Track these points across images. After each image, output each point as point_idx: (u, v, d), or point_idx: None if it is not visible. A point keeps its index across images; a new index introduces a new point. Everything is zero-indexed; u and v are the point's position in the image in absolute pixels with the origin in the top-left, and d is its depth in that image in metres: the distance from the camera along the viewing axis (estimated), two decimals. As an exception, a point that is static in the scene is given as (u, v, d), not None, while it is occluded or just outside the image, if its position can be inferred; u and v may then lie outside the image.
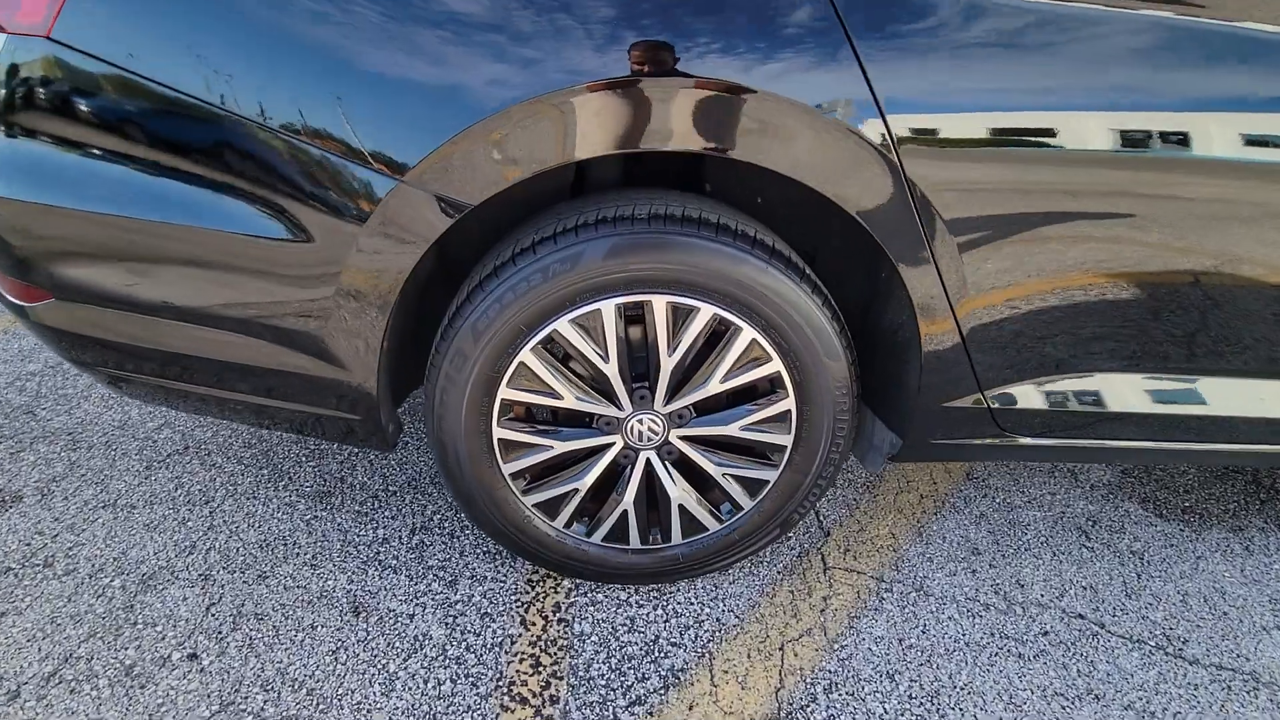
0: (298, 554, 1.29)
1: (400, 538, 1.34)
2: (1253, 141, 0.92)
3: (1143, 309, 1.00)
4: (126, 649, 1.09)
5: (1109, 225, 0.93)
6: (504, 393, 1.01)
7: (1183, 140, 0.90)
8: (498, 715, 1.02)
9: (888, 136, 0.87)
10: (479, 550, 1.31)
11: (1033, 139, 0.89)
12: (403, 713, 1.02)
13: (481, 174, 0.87)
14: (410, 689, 1.05)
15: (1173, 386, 1.09)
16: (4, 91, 0.89)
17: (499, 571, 1.27)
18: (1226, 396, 1.10)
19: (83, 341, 1.04)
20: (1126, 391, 1.08)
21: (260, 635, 1.13)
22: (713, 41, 0.84)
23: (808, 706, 1.05)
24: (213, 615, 1.16)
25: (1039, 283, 0.97)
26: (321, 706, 1.02)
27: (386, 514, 1.39)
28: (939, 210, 0.90)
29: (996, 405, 1.05)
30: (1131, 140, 0.90)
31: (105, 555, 1.26)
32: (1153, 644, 1.19)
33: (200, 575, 1.23)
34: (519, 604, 1.20)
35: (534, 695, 1.05)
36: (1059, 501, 1.51)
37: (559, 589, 1.24)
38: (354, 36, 0.84)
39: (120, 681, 1.04)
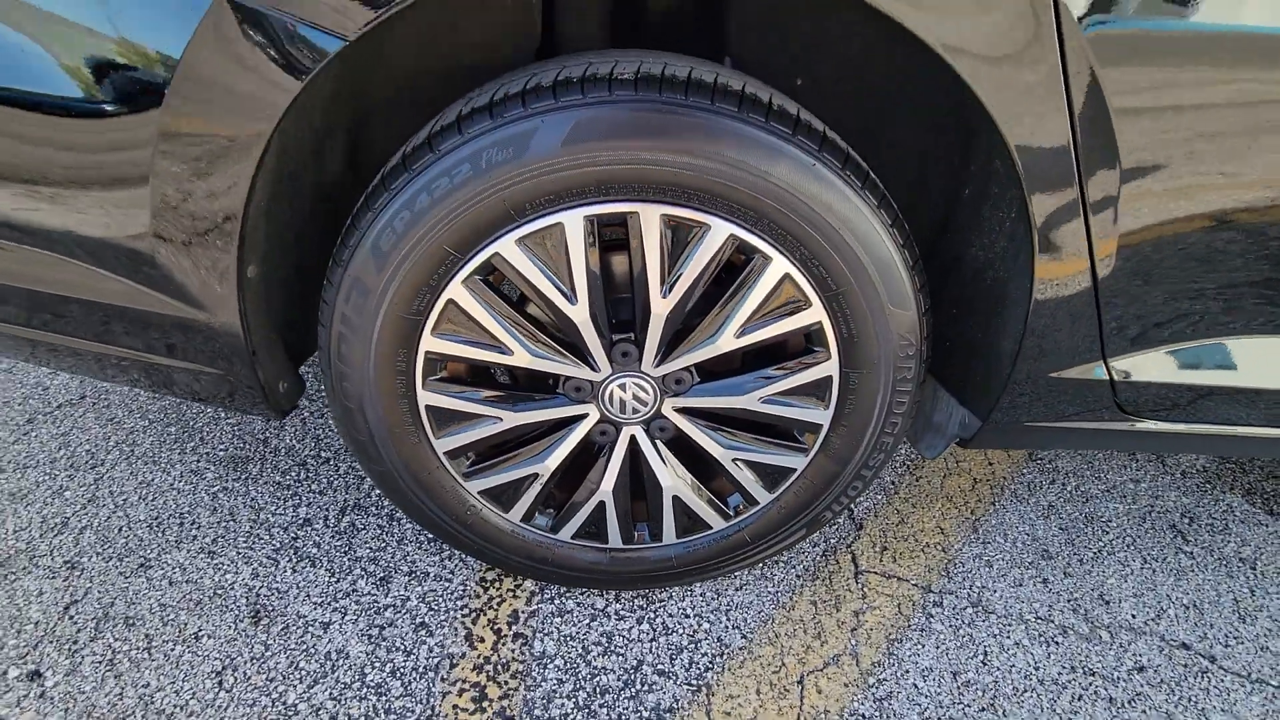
0: (195, 537, 1.02)
1: (326, 519, 1.07)
2: None
3: None
4: (-49, 662, 0.84)
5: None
6: (428, 343, 0.72)
7: None
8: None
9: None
10: (422, 539, 1.04)
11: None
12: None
13: None
14: (311, 730, 0.80)
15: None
16: None
17: (445, 567, 1.00)
18: None
19: None
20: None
21: (127, 648, 0.87)
22: None
23: (834, 765, 0.80)
24: (70, 618, 0.90)
25: (1214, 209, 0.65)
26: (192, 750, 0.77)
27: (314, 487, 1.12)
28: (1102, 77, 0.58)
29: (1121, 378, 0.75)
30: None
31: (-49, 533, 1.00)
32: (1277, 684, 0.92)
33: (66, 563, 0.97)
34: (466, 612, 0.94)
35: (474, 742, 0.80)
36: (1145, 492, 1.22)
37: (519, 592, 0.98)
38: None
39: (-67, 708, 0.80)
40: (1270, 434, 0.86)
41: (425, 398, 0.76)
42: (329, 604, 0.94)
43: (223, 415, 1.27)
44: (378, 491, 1.12)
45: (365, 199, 0.67)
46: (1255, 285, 0.71)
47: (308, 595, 0.95)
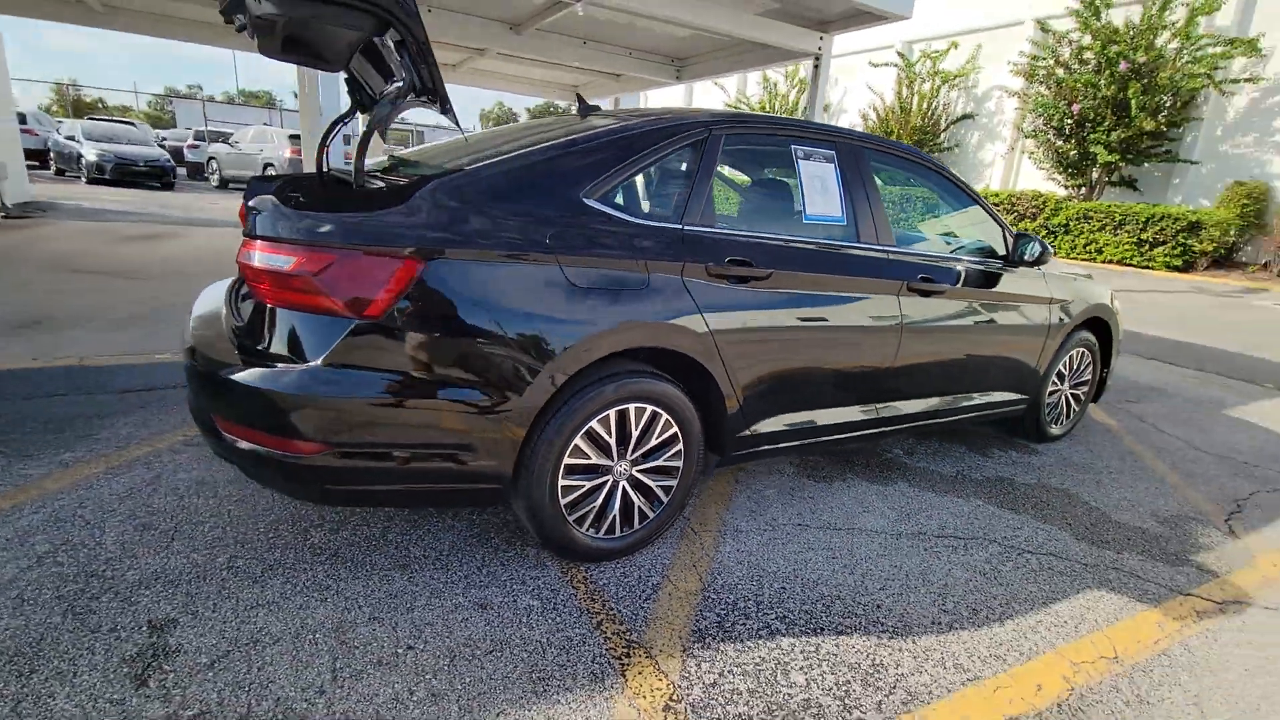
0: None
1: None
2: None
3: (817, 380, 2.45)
4: None
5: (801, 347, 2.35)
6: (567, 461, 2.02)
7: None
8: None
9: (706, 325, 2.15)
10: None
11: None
12: None
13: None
14: None
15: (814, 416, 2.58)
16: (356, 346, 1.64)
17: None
18: (839, 417, 2.62)
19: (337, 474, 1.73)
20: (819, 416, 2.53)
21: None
22: None
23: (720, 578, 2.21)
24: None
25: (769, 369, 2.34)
26: None
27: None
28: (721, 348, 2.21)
29: (753, 433, 2.40)
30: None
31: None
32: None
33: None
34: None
35: (589, 618, 2.02)
36: (788, 476, 2.96)
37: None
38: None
39: None
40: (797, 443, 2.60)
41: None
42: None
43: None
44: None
45: (542, 412, 1.95)
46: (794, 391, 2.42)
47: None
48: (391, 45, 1.80)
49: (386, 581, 2.01)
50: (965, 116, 18.08)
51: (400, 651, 1.74)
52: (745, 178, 2.63)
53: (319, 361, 1.64)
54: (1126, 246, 13.50)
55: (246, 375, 1.69)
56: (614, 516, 2.16)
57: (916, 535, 2.59)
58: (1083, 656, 1.97)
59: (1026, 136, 16.00)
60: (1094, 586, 2.34)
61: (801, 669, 1.81)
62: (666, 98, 22.42)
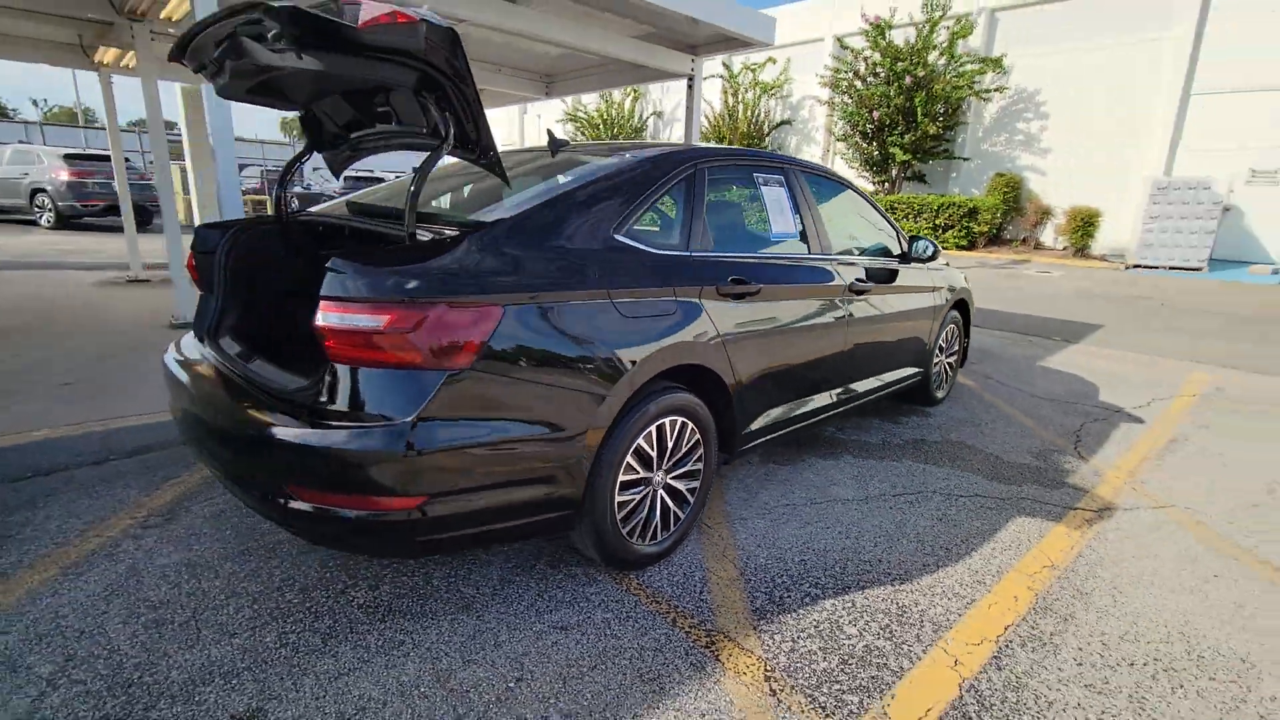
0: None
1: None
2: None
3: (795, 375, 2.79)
4: None
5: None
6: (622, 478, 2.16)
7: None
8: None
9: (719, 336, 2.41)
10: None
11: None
12: None
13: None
14: None
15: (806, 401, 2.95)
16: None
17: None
18: (811, 404, 3.01)
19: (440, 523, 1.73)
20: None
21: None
22: None
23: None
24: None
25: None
26: None
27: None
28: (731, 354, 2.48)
29: (750, 429, 2.70)
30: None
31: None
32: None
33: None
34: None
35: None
36: (756, 465, 3.30)
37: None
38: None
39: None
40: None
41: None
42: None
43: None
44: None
45: (606, 436, 2.07)
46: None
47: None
48: (431, 99, 1.83)
49: (457, 625, 2.02)
50: (784, 122, 20.03)
51: (511, 686, 1.79)
52: (725, 203, 2.91)
53: (414, 417, 1.65)
54: (925, 231, 15.88)
55: (334, 438, 1.64)
56: (655, 523, 2.34)
57: (879, 497, 3.05)
58: (1032, 569, 2.51)
59: (838, 140, 18.14)
60: (1016, 515, 2.95)
61: (850, 622, 2.14)
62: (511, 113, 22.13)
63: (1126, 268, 13.74)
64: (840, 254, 3.21)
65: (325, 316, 1.63)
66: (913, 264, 3.78)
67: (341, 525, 1.69)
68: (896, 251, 3.80)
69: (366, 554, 2.19)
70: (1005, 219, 15.92)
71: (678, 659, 1.92)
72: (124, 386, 4.12)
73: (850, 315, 3.13)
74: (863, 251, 3.73)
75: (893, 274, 3.58)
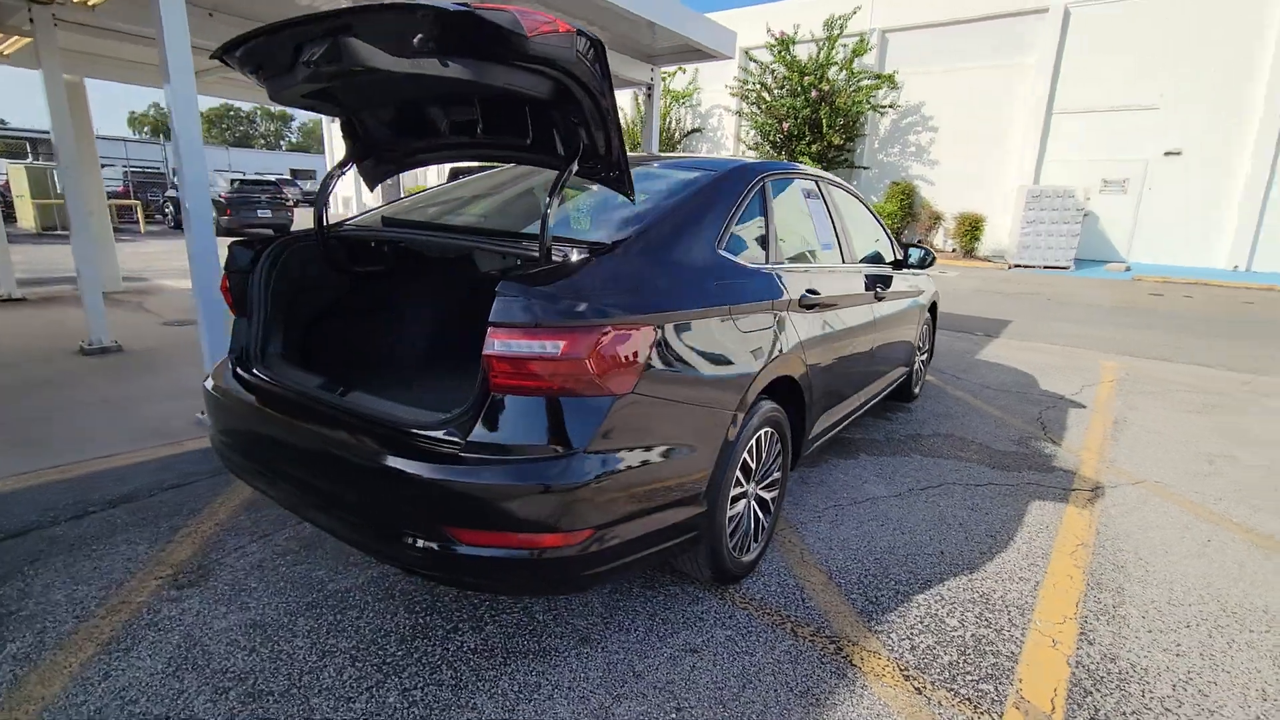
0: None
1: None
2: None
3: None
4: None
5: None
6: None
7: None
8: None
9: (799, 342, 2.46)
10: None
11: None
12: None
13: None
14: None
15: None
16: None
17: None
18: (848, 407, 3.13)
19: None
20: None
21: (663, 694, 1.85)
22: None
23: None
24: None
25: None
26: None
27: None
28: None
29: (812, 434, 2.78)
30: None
31: None
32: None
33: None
34: (719, 609, 2.25)
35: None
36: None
37: (719, 596, 2.32)
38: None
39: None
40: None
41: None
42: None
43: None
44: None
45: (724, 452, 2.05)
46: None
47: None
48: (562, 111, 1.74)
49: (584, 659, 1.94)
50: (695, 130, 20.58)
51: (672, 714, 1.74)
52: (786, 216, 2.96)
53: (587, 446, 1.57)
54: (834, 236, 16.86)
55: (500, 474, 1.52)
56: (750, 535, 2.35)
57: (909, 492, 3.23)
58: (1069, 548, 2.76)
59: (749, 149, 18.87)
60: (1030, 499, 3.22)
61: (948, 614, 2.25)
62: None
63: (1009, 267, 15.30)
64: (863, 261, 3.37)
65: (496, 344, 1.51)
66: (905, 269, 4.03)
67: (496, 566, 1.57)
68: (890, 258, 4.04)
69: (517, 594, 2.08)
70: (903, 224, 17.23)
71: (817, 669, 1.94)
72: (66, 427, 3.57)
73: (875, 319, 3.29)
74: (871, 258, 3.94)
75: (891, 279, 3.80)
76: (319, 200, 2.33)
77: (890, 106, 17.05)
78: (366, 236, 2.34)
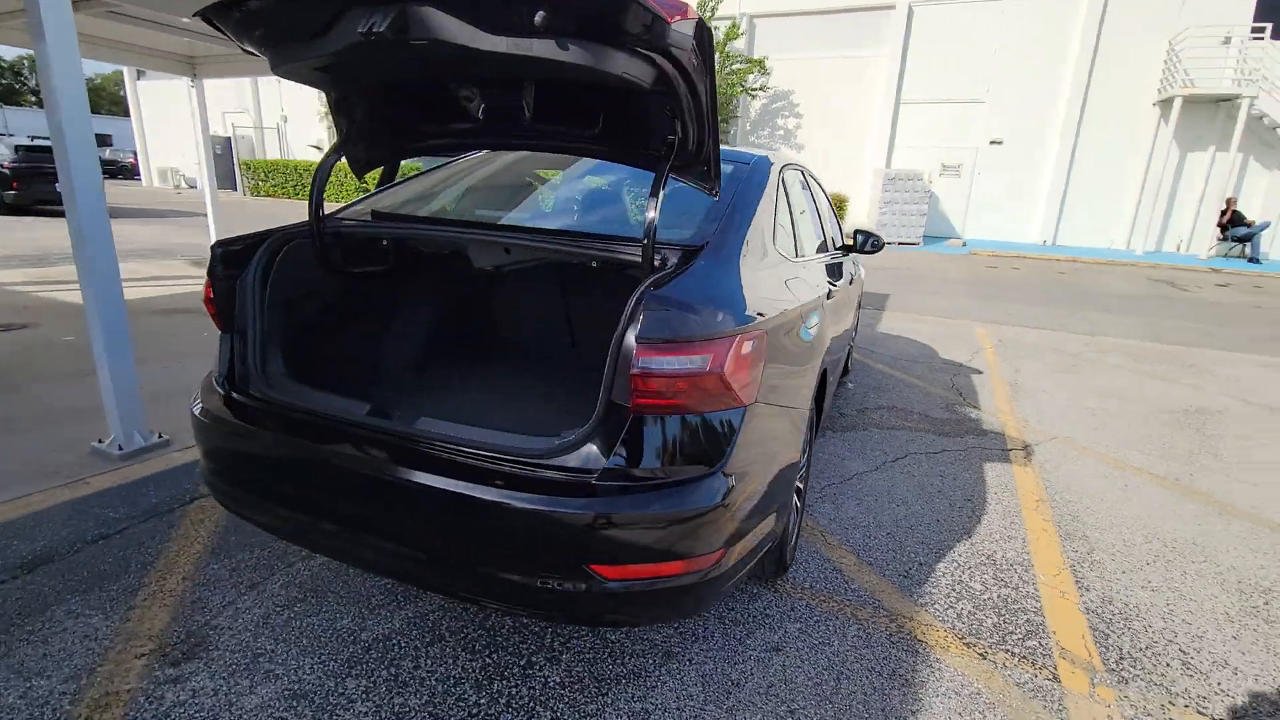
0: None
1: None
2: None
3: None
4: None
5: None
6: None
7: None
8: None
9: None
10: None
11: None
12: None
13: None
14: None
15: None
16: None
17: (751, 602, 2.25)
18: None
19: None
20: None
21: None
22: None
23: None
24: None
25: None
26: None
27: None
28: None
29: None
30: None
31: None
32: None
33: None
34: (775, 603, 2.27)
35: (823, 618, 2.25)
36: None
37: (768, 589, 2.35)
38: None
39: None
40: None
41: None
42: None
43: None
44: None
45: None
46: None
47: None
48: (658, 101, 1.60)
49: (677, 675, 1.87)
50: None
51: (787, 719, 1.74)
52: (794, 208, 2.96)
53: (726, 462, 1.49)
54: (714, 215, 17.43)
55: (660, 500, 1.40)
56: (796, 524, 2.40)
57: (883, 465, 3.46)
58: (1031, 503, 3.11)
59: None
60: (981, 461, 3.58)
61: (970, 578, 2.45)
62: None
63: (869, 243, 16.72)
64: (837, 249, 3.51)
65: (642, 362, 1.37)
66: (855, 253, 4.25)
67: (645, 598, 1.46)
68: (840, 243, 4.24)
69: (657, 622, 1.95)
70: (774, 203, 18.17)
71: (891, 650, 2.03)
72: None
73: (850, 301, 3.46)
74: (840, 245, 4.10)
75: (846, 262, 4.00)
76: (314, 191, 1.97)
77: (761, 89, 17.79)
78: (404, 234, 2.05)
